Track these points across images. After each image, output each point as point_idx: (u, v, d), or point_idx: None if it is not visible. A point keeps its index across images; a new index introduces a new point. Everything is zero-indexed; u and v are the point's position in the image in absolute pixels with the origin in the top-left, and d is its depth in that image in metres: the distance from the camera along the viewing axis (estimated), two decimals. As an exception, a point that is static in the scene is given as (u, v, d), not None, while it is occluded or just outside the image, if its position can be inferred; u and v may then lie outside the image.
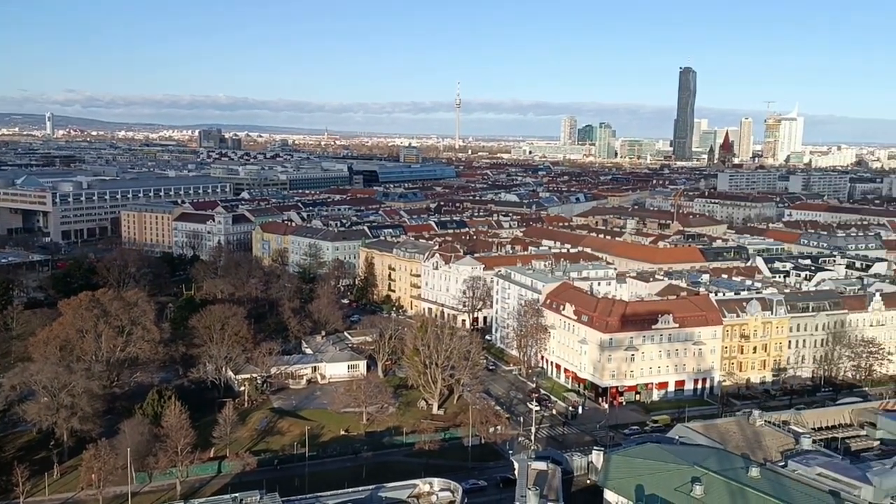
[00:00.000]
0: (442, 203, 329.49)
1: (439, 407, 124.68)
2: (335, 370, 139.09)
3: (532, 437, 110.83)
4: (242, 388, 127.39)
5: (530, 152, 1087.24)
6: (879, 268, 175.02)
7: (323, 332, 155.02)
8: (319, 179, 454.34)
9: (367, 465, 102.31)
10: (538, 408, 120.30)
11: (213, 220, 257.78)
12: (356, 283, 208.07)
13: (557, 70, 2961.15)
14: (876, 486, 69.78)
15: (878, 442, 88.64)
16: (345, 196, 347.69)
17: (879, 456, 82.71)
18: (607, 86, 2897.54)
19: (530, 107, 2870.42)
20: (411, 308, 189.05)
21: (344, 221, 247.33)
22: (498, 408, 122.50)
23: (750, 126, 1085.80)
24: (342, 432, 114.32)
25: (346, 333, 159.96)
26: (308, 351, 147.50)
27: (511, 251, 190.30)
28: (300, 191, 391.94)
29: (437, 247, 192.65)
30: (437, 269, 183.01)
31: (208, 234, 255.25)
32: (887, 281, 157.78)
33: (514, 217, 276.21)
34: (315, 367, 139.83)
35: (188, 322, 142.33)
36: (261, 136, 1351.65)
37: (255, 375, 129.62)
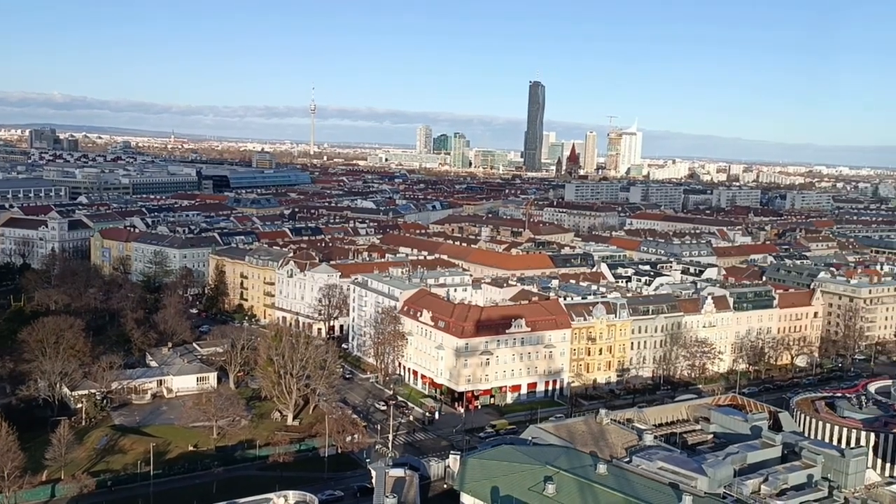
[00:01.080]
0: (297, 209, 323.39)
1: (294, 418, 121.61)
2: (183, 383, 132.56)
3: (389, 445, 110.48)
4: (79, 406, 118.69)
5: (386, 160, 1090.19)
6: (711, 273, 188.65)
7: (169, 344, 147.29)
8: (165, 184, 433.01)
9: (218, 481, 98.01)
10: (385, 406, 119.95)
11: (46, 226, 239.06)
12: (206, 292, 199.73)
13: (413, 80, 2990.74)
14: (710, 476, 74.53)
15: (712, 435, 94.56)
16: (193, 202, 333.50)
17: (713, 448, 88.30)
18: (462, 97, 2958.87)
19: (386, 115, 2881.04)
20: (265, 317, 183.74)
21: (192, 228, 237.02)
22: (355, 416, 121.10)
23: (594, 139, 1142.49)
24: (191, 448, 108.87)
25: (194, 345, 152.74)
26: (153, 364, 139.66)
27: (368, 258, 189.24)
28: (144, 196, 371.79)
29: (291, 254, 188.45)
30: (291, 276, 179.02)
31: (41, 240, 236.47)
32: (718, 285, 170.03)
33: (371, 224, 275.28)
34: (161, 380, 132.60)
35: (17, 335, 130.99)
36: (101, 138, 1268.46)
37: (93, 391, 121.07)
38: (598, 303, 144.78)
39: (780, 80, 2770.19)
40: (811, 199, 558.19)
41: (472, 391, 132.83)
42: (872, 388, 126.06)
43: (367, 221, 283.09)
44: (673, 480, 73.16)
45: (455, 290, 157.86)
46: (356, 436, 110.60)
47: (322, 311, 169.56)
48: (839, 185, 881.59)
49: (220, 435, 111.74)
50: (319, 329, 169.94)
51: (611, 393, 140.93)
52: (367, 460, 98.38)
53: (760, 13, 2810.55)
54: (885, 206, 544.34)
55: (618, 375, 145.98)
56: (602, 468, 72.65)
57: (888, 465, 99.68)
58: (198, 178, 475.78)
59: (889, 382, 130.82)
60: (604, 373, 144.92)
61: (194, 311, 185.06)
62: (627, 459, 79.86)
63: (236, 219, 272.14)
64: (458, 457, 78.59)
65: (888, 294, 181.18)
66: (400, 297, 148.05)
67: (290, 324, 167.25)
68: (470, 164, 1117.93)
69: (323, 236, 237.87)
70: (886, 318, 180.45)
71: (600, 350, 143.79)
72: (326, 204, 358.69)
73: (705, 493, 72.09)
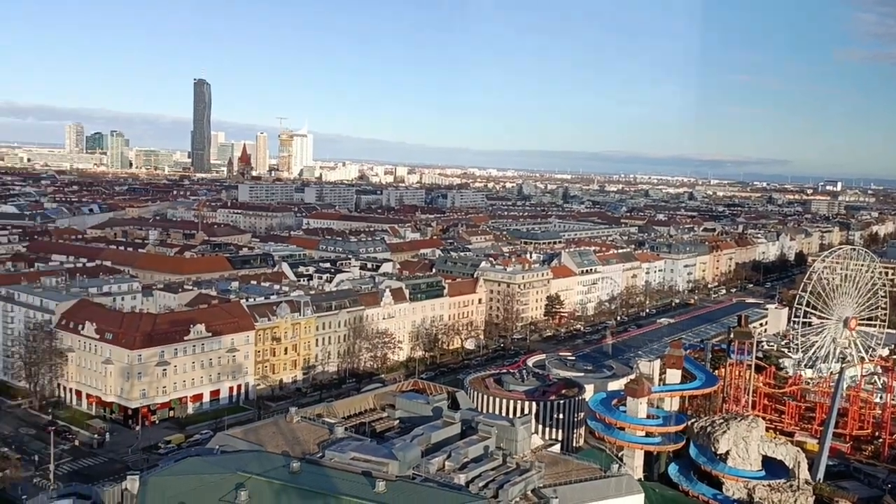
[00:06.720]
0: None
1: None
2: None
3: (51, 476, 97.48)
4: None
5: (29, 160, 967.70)
6: (387, 267, 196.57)
7: None
8: None
9: None
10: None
11: None
12: None
13: (63, 72, 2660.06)
14: (400, 460, 76.68)
15: (398, 421, 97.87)
16: None
17: (400, 433, 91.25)
18: (120, 93, 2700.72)
19: (30, 110, 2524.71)
20: None
21: None
22: (5, 449, 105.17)
23: (265, 140, 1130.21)
24: None
25: None
26: None
27: (13, 269, 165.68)
28: None
29: None
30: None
31: None
32: (394, 278, 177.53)
33: (14, 231, 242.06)
34: None
35: None
36: None
37: None
38: (281, 302, 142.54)
39: (436, 91, 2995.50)
40: (468, 198, 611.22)
41: (149, 406, 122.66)
42: (531, 362, 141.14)
43: (8, 228, 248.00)
44: (366, 469, 74.03)
45: (123, 299, 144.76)
46: (8, 471, 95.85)
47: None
48: (490, 184, 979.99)
49: None
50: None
51: (298, 391, 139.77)
52: (24, 497, 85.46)
53: (415, 34, 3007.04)
54: (529, 202, 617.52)
55: (304, 373, 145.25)
56: (296, 466, 71.12)
57: (548, 429, 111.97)
58: None
59: (543, 356, 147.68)
60: (290, 372, 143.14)
61: None
62: (320, 454, 79.15)
63: None
64: (137, 477, 71.64)
65: (537, 279, 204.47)
66: (56, 309, 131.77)
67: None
68: (131, 164, 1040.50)
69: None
70: (536, 300, 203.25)
71: (286, 349, 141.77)
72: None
73: (396, 476, 74.03)
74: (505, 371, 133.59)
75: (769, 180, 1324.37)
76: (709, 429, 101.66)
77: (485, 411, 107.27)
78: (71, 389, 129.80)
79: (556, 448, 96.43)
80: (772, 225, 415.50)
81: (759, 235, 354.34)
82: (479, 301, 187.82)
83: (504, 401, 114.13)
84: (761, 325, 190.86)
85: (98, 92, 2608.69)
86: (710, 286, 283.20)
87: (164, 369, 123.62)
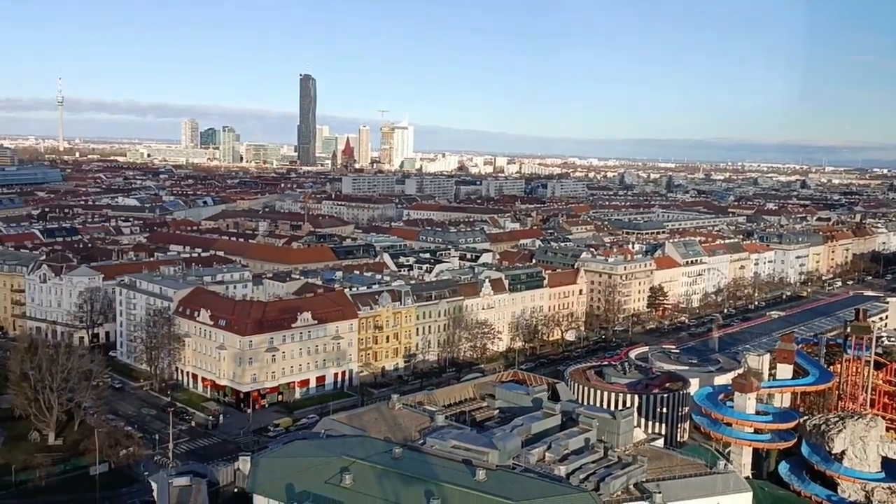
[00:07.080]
0: (47, 209, 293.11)
1: (57, 436, 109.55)
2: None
3: (170, 454, 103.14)
4: None
5: (149, 155, 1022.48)
6: (486, 258, 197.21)
7: None
8: None
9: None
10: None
11: None
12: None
13: (179, 71, 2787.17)
14: (500, 449, 76.93)
15: (498, 411, 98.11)
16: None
17: (500, 423, 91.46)
18: (231, 90, 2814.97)
19: (150, 108, 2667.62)
20: (14, 329, 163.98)
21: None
22: (129, 428, 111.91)
23: (368, 133, 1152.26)
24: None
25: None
26: None
27: (135, 258, 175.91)
28: None
29: (44, 257, 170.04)
30: (45, 282, 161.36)
31: None
32: (493, 269, 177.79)
33: (136, 222, 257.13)
34: None
35: None
36: None
37: None
38: (383, 291, 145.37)
39: (536, 80, 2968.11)
40: (569, 188, 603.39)
41: (259, 390, 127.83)
42: (633, 354, 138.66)
43: (130, 220, 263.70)
44: (466, 457, 74.68)
45: (235, 287, 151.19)
46: (132, 448, 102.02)
47: (84, 318, 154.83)
48: (591, 174, 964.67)
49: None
50: (82, 338, 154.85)
51: (399, 379, 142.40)
52: (146, 473, 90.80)
53: (515, 24, 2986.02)
54: (631, 192, 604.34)
55: (405, 361, 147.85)
56: (398, 452, 72.52)
57: (651, 423, 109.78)
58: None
59: (646, 349, 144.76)
60: (392, 360, 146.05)
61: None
62: (421, 441, 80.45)
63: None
64: (249, 458, 74.88)
65: (640, 270, 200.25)
66: (174, 296, 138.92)
67: (47, 334, 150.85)
68: (241, 158, 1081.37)
69: (80, 237, 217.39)
70: (639, 292, 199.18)
71: (387, 338, 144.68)
72: (83, 202, 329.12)
73: (497, 465, 74.36)
74: (606, 363, 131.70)
75: (890, 167, 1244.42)
76: (823, 427, 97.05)
77: (585, 403, 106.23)
78: (188, 373, 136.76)
79: (660, 442, 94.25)
80: (893, 213, 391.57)
81: (879, 225, 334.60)
82: (580, 292, 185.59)
83: (605, 393, 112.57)
84: (881, 319, 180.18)
85: (210, 89, 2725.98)
86: (824, 278, 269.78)
87: (273, 355, 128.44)
